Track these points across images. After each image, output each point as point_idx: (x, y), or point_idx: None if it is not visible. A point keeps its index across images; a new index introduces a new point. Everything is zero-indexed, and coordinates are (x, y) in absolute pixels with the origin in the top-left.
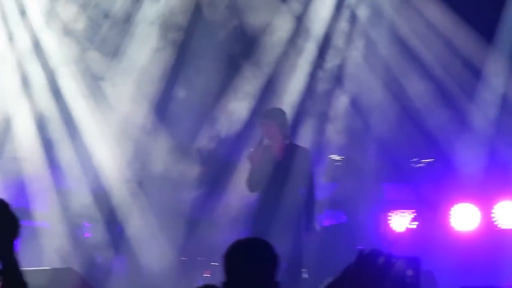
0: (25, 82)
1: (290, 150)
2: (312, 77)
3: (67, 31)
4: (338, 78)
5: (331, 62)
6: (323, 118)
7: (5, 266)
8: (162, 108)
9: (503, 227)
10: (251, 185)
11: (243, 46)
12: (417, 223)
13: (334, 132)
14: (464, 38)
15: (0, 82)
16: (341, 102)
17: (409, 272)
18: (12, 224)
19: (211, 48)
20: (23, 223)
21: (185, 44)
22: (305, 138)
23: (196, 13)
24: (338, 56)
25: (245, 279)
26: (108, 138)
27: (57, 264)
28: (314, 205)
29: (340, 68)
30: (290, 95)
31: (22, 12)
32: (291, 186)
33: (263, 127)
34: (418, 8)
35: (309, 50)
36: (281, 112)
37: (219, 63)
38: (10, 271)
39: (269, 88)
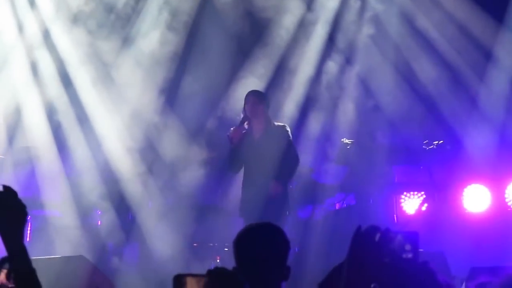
0: (35, 72)
1: (271, 130)
2: (323, 60)
3: (76, 20)
4: (348, 60)
5: (341, 44)
6: (334, 101)
7: (13, 254)
8: (172, 93)
9: None
10: (230, 166)
11: (253, 30)
12: (427, 205)
13: (345, 115)
14: (475, 19)
15: (10, 72)
16: (351, 84)
17: (408, 247)
18: (20, 212)
19: (220, 32)
20: (35, 212)
21: (194, 29)
22: (315, 121)
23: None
24: (349, 38)
25: (256, 265)
26: (119, 125)
27: (69, 252)
28: (290, 162)
29: (350, 50)
30: (300, 78)
31: (32, 2)
32: (273, 165)
33: (251, 107)
34: None
35: (319, 32)
36: (267, 96)
37: (229, 47)
38: (19, 259)
39: (279, 71)
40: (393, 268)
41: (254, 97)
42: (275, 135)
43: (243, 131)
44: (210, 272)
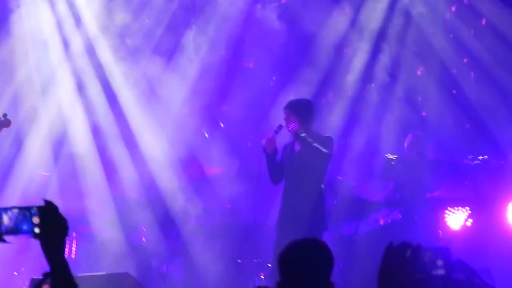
0: (81, 90)
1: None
2: (367, 74)
3: (121, 36)
4: (392, 75)
5: (386, 60)
6: (379, 116)
7: (55, 268)
8: (216, 108)
9: None
10: (271, 178)
11: (298, 47)
12: (472, 220)
13: (390, 129)
14: None
15: (56, 90)
16: (397, 99)
17: (440, 263)
18: (62, 227)
19: (266, 49)
20: (81, 229)
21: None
22: (360, 136)
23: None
24: (393, 53)
25: (300, 280)
26: (163, 141)
27: (114, 269)
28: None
29: (395, 65)
30: (345, 92)
31: (77, 19)
32: (309, 177)
33: (285, 119)
34: (472, 4)
35: (364, 48)
36: (306, 105)
37: (273, 63)
38: (60, 273)
39: (325, 85)
40: (426, 284)
41: (286, 107)
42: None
43: (274, 140)
44: None
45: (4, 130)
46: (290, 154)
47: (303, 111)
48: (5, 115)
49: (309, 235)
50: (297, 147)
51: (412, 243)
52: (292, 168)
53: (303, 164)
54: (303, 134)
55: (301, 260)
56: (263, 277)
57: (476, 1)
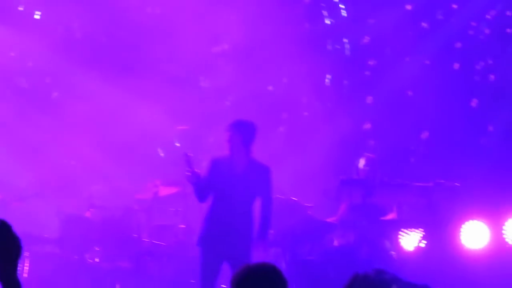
0: None
1: (251, 165)
2: None
3: None
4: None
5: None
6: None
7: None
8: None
9: None
10: (199, 198)
11: None
12: (426, 242)
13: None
14: None
15: None
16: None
17: None
18: (15, 246)
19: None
20: (34, 248)
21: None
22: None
23: None
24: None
25: None
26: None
27: None
28: (270, 217)
29: None
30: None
31: None
32: (246, 200)
33: (227, 138)
34: None
35: None
36: (249, 125)
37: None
38: None
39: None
40: None
41: (230, 127)
42: (256, 173)
43: (197, 172)
44: None
45: None
46: (228, 173)
47: (247, 132)
48: None
49: (243, 253)
50: (239, 170)
51: (388, 273)
52: (231, 189)
53: (244, 190)
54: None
55: (255, 285)
56: None
57: None
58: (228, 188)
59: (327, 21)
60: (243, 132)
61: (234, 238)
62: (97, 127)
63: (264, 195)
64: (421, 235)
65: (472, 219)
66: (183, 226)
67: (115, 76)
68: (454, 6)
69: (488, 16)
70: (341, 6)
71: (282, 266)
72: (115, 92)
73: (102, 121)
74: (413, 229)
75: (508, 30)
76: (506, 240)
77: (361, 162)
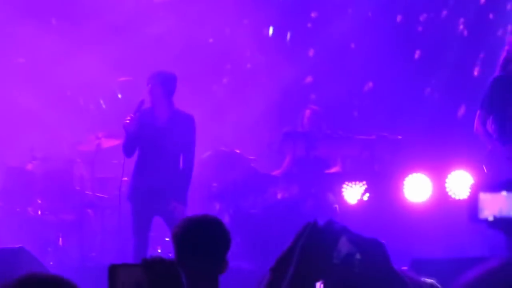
0: None
1: (174, 116)
2: None
3: None
4: None
5: None
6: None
7: None
8: None
9: (456, 197)
10: (126, 152)
11: None
12: (369, 194)
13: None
14: None
15: None
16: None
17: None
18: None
19: None
20: None
21: None
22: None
23: None
24: None
25: (196, 257)
26: None
27: (8, 244)
28: (189, 175)
29: None
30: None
31: None
32: (173, 152)
33: (148, 91)
34: None
35: None
36: (170, 77)
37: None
38: None
39: None
40: (343, 270)
41: (150, 79)
42: (180, 124)
43: (138, 117)
44: (145, 261)
45: None
46: (152, 125)
47: (168, 83)
48: None
49: (175, 205)
50: (162, 122)
51: (338, 224)
52: (155, 143)
53: (169, 141)
54: None
55: (197, 236)
56: (159, 251)
57: None
58: (152, 140)
59: None
60: (163, 83)
61: (163, 191)
62: (37, 77)
63: (185, 147)
64: (364, 188)
65: (415, 172)
66: (125, 178)
67: (55, 24)
68: None
69: None
70: None
71: (225, 219)
72: (55, 40)
73: (42, 71)
74: (356, 182)
75: None
76: (449, 193)
77: (305, 114)
